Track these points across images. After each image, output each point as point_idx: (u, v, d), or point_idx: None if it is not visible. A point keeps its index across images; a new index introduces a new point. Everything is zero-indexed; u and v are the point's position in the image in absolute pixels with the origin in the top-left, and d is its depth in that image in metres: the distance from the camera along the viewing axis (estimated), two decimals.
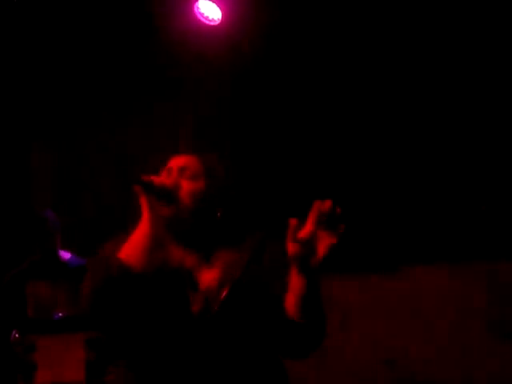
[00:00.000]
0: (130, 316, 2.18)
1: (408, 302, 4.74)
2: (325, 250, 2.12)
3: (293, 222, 2.12)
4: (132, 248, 2.18)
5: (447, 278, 4.76)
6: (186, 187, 2.35)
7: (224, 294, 2.23)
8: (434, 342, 4.70)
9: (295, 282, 2.18)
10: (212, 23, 4.58)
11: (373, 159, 4.90)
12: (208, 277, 2.28)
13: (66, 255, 4.55)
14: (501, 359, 4.54)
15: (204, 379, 2.17)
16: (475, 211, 4.73)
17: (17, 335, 3.93)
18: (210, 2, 4.54)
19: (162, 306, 2.21)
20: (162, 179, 2.33)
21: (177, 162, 2.44)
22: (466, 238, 4.70)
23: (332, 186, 4.68)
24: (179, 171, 2.40)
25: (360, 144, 4.89)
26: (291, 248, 2.13)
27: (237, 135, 4.86)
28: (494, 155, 4.75)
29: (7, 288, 4.46)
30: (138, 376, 2.22)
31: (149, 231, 2.20)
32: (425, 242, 4.76)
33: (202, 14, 4.58)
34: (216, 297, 2.23)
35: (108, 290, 2.12)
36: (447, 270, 4.74)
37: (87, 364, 3.85)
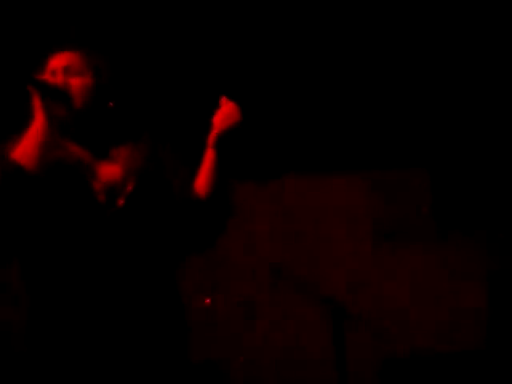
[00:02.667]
0: (32, 216, 2.16)
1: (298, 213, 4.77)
2: (224, 128, 2.39)
3: (223, 99, 2.39)
4: (26, 148, 2.15)
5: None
6: (75, 84, 2.33)
7: (131, 185, 2.27)
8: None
9: (206, 159, 2.40)
10: None
11: None
12: (109, 170, 2.30)
13: None
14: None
15: (112, 271, 2.21)
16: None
17: None
18: None
19: (66, 201, 2.21)
20: (51, 79, 2.30)
21: (59, 61, 2.38)
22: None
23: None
24: (64, 70, 2.35)
25: None
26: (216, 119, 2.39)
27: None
28: None
29: None
30: (46, 274, 2.21)
31: (43, 131, 2.18)
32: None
33: None
34: (121, 189, 2.27)
35: (5, 190, 2.09)
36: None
37: None
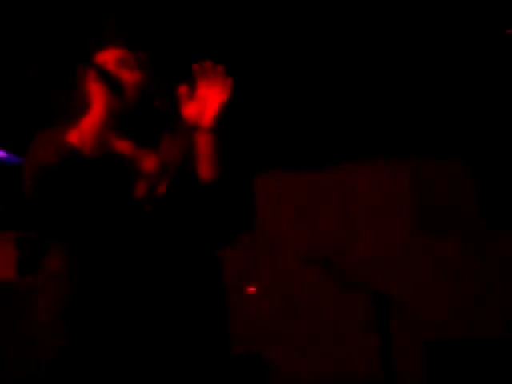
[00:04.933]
0: (78, 199, 2.16)
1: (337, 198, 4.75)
2: (218, 107, 2.28)
3: (182, 89, 2.29)
4: (84, 133, 2.19)
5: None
6: (127, 78, 2.33)
7: (166, 180, 2.28)
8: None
9: (200, 145, 2.31)
10: None
11: None
12: (149, 164, 2.31)
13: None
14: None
15: (147, 264, 2.20)
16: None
17: None
18: None
19: (108, 190, 2.22)
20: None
21: (110, 54, 2.39)
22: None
23: None
24: (116, 64, 2.36)
25: None
26: (187, 111, 2.29)
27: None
28: None
29: None
30: (82, 261, 2.19)
31: (102, 118, 2.21)
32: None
33: None
34: (158, 183, 2.28)
35: (61, 171, 2.11)
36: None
37: (19, 261, 3.70)
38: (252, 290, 4.55)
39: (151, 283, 2.20)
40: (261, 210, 4.79)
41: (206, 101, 2.29)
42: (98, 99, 2.23)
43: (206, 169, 2.29)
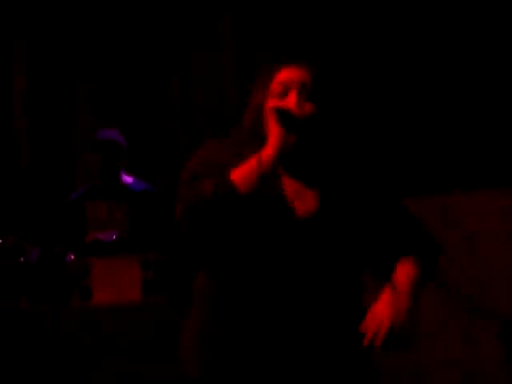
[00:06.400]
0: (228, 232, 2.13)
1: None
2: None
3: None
4: (248, 174, 2.10)
5: None
6: (309, 111, 2.18)
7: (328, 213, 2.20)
8: None
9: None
10: None
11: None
12: (307, 199, 2.22)
13: (128, 179, 4.46)
14: None
15: (296, 290, 2.16)
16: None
17: (72, 257, 3.86)
18: None
19: (266, 224, 2.17)
20: (290, 105, 2.16)
21: (293, 75, 2.21)
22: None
23: None
24: (299, 89, 2.19)
25: None
26: None
27: None
28: None
29: (67, 210, 4.43)
30: (226, 287, 2.19)
31: (271, 162, 2.10)
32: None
33: None
34: (317, 215, 2.19)
35: (215, 208, 2.06)
36: None
37: (144, 283, 3.77)
38: None
39: (297, 302, 2.15)
40: None
41: None
42: (272, 139, 2.13)
43: None
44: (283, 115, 2.13)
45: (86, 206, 4.40)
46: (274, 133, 2.12)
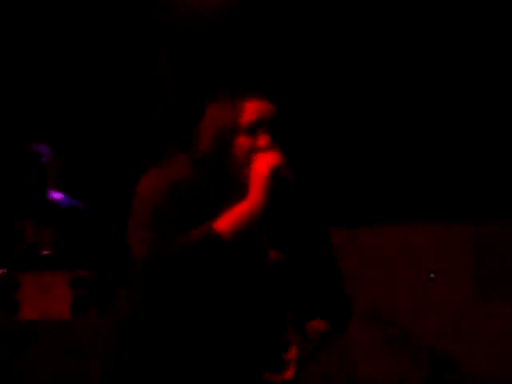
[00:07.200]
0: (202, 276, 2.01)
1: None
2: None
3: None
4: (233, 223, 2.00)
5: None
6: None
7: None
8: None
9: None
10: None
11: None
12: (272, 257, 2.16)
13: (56, 195, 4.35)
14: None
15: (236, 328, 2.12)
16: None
17: (1, 271, 3.76)
18: None
19: (244, 268, 2.09)
20: (261, 144, 2.06)
21: (265, 110, 2.10)
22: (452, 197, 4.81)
23: None
24: (270, 129, 2.09)
25: None
26: None
27: None
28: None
29: None
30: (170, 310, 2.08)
31: (257, 213, 2.02)
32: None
33: None
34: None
35: (198, 255, 1.96)
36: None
37: (74, 301, 3.68)
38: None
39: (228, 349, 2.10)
40: None
41: None
42: (259, 190, 2.03)
43: None
44: (280, 177, 2.05)
45: (15, 223, 4.30)
46: (262, 184, 2.03)
